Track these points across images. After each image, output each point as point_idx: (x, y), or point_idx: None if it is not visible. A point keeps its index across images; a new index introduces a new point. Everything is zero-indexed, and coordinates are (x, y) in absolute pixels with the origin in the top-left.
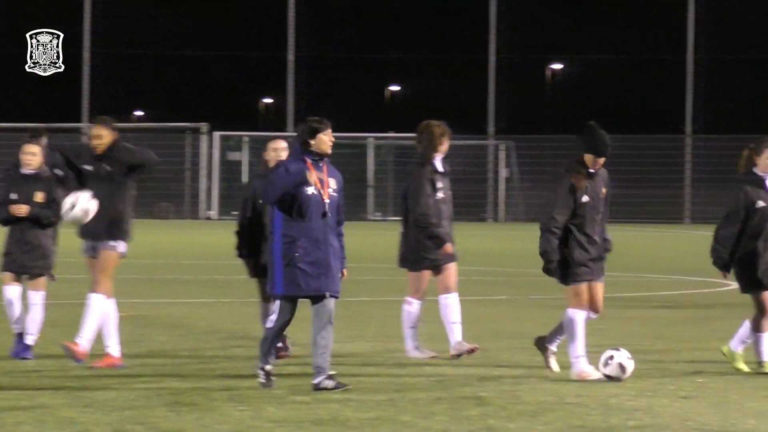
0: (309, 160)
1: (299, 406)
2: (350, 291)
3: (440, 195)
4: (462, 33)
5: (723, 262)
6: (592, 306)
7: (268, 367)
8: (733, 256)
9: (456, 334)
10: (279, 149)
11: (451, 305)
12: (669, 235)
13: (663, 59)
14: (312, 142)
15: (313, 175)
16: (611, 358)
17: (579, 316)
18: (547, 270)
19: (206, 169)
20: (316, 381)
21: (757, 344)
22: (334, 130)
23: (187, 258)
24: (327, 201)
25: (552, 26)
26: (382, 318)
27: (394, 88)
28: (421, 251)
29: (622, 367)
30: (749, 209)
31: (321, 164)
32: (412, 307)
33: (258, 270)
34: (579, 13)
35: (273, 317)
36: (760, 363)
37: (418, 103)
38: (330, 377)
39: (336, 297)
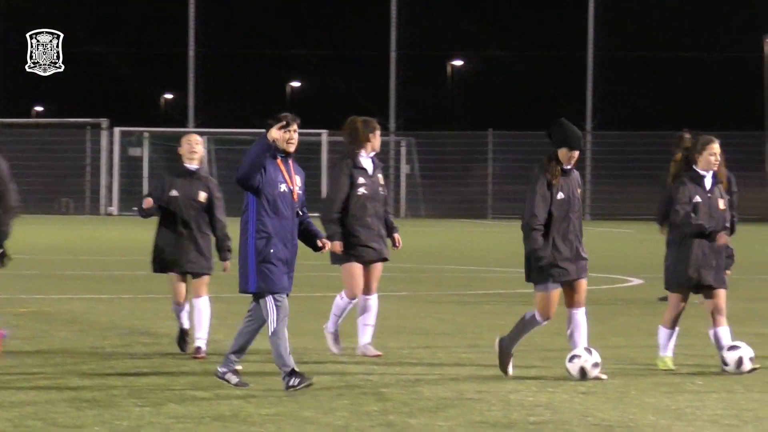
0: (279, 158)
1: (200, 403)
2: None
3: (362, 191)
4: (363, 29)
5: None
6: (574, 303)
7: (289, 369)
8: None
9: (366, 336)
10: (192, 143)
11: (368, 307)
12: None
13: (563, 56)
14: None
15: (283, 173)
16: (577, 357)
17: (532, 322)
18: (540, 268)
19: (107, 164)
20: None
21: (662, 337)
22: (234, 126)
23: (87, 254)
24: (295, 200)
25: (453, 22)
26: None
27: (295, 83)
28: (346, 246)
29: (582, 371)
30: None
31: (288, 161)
32: (342, 300)
33: None
34: (479, 9)
35: (272, 317)
36: (663, 358)
37: (318, 99)
38: (236, 372)
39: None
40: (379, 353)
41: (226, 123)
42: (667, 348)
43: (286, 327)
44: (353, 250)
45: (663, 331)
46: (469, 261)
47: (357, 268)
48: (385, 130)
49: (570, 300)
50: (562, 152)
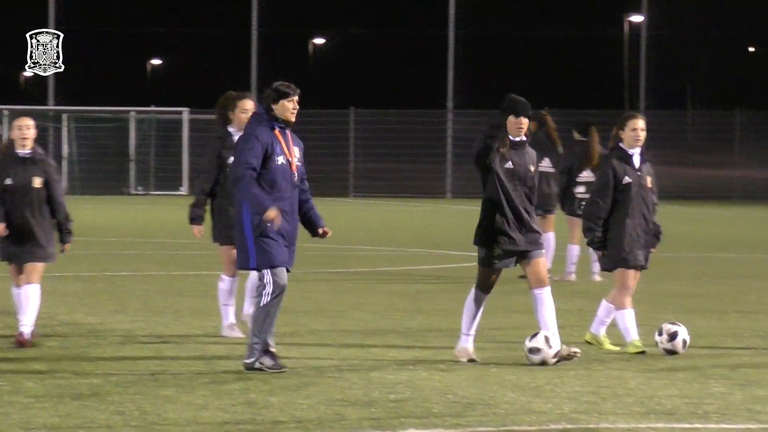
0: (277, 128)
1: (59, 382)
2: (111, 265)
3: None
4: (224, 7)
5: (599, 241)
6: (532, 282)
7: (262, 347)
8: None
9: (230, 317)
10: (24, 128)
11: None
12: (430, 209)
13: (425, 34)
14: (275, 107)
15: (281, 144)
16: (536, 336)
17: (473, 295)
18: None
19: None
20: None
21: (621, 323)
22: (94, 104)
23: None
24: (295, 172)
25: (314, 0)
26: (143, 293)
27: (156, 61)
28: (218, 226)
29: (546, 341)
30: (617, 185)
31: (287, 132)
32: (224, 284)
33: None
34: None
35: (268, 290)
36: (628, 343)
37: (179, 77)
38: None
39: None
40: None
41: (86, 101)
42: (632, 331)
43: (279, 305)
44: (230, 230)
45: (622, 314)
46: (331, 239)
47: (229, 249)
48: (180, 107)
49: (528, 278)
50: (510, 120)
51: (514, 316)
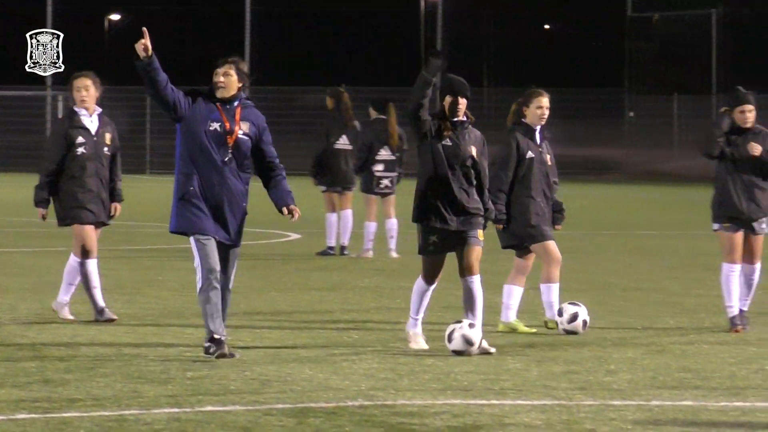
0: (218, 104)
1: None
2: None
3: (81, 150)
4: None
5: (501, 215)
6: (466, 269)
7: (217, 336)
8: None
9: (67, 296)
10: None
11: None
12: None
13: (223, 10)
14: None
15: (221, 114)
16: (454, 332)
17: (418, 285)
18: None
19: None
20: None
21: (546, 295)
22: None
23: None
24: (230, 144)
25: None
26: None
27: None
28: (64, 208)
29: (466, 340)
30: (520, 159)
31: (231, 107)
32: (72, 261)
33: None
34: None
35: (198, 275)
36: (551, 319)
37: None
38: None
39: (233, 246)
40: (115, 317)
41: None
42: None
43: (214, 285)
44: (78, 212)
45: (551, 287)
46: (128, 216)
47: (79, 229)
48: (42, 85)
49: (459, 264)
50: (447, 100)
51: (309, 293)
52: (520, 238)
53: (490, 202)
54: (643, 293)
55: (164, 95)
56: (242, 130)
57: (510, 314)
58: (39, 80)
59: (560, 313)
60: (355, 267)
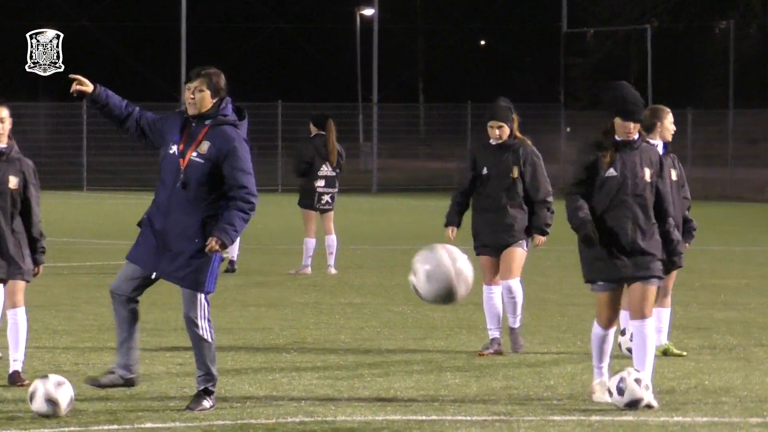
0: (191, 123)
1: None
2: None
3: None
4: None
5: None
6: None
7: (111, 366)
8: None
9: None
10: None
11: None
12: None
13: (158, 27)
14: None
15: (182, 134)
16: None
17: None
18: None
19: None
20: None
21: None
22: None
23: None
24: (182, 167)
25: None
26: None
27: None
28: None
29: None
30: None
31: (199, 124)
32: None
33: None
34: None
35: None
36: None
37: None
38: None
39: (178, 282)
40: None
41: None
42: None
43: (115, 306)
44: None
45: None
46: (65, 233)
47: None
48: None
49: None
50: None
51: (249, 309)
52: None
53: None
54: (579, 308)
55: (127, 129)
56: (198, 151)
57: (662, 337)
58: None
59: (623, 333)
60: (293, 283)
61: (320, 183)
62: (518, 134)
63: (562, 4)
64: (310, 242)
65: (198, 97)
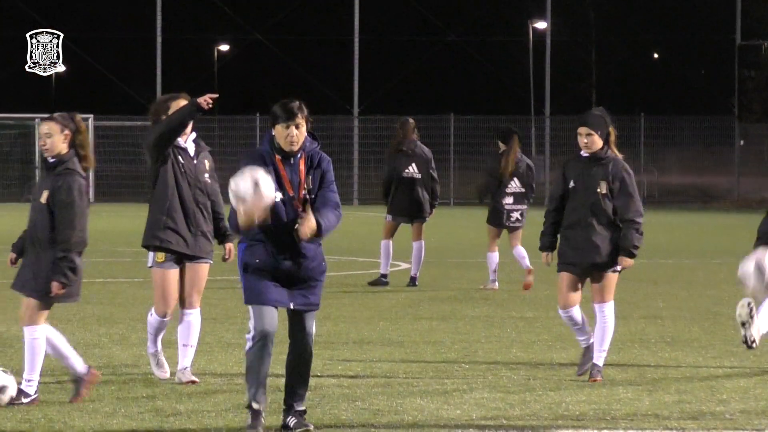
0: (278, 157)
1: None
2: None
3: None
4: (128, 12)
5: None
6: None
7: (255, 406)
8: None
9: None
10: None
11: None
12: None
13: (329, 40)
14: (273, 132)
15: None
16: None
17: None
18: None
19: None
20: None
21: None
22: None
23: None
24: (299, 207)
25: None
26: None
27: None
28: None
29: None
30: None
31: (293, 161)
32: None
33: None
34: None
35: (249, 335)
36: None
37: (84, 84)
38: None
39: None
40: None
41: None
42: None
43: (264, 356)
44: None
45: None
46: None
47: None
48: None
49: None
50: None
51: (421, 323)
52: None
53: None
54: None
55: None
56: (306, 188)
57: None
58: (140, 110)
59: None
60: (465, 297)
61: (508, 200)
62: (613, 148)
63: (736, 16)
64: (493, 256)
65: (295, 134)
